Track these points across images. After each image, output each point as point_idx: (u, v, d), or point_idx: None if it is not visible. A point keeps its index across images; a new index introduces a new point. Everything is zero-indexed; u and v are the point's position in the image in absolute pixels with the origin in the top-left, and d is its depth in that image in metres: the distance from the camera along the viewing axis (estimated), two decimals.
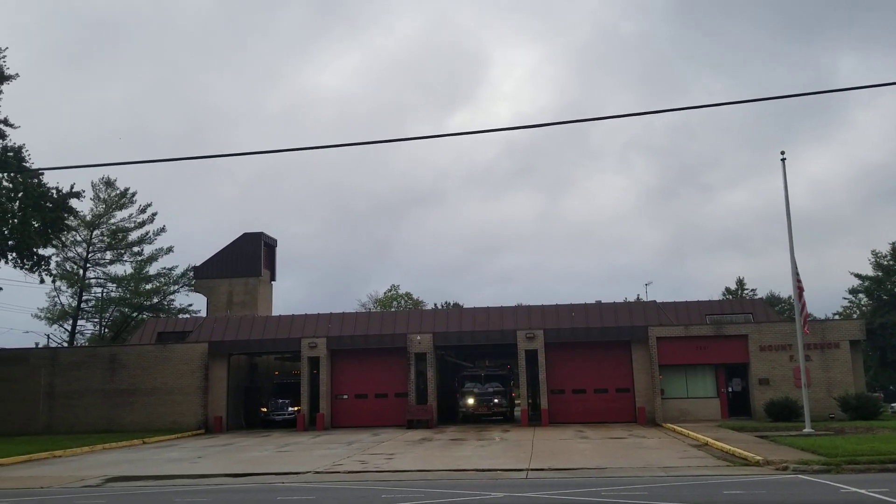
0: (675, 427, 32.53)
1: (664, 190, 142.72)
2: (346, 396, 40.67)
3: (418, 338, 39.60)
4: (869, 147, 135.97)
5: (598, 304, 43.07)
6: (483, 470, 19.76)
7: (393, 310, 72.52)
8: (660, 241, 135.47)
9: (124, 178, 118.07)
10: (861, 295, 49.98)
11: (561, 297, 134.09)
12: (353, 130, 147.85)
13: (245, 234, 50.82)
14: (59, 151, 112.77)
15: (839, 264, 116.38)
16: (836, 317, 58.90)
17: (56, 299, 58.92)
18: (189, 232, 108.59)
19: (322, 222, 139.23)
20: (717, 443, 24.32)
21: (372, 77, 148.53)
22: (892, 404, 49.27)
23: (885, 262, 46.60)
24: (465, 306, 60.82)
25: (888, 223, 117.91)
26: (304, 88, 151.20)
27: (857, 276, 48.36)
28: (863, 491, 14.06)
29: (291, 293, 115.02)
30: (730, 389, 37.88)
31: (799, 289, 28.47)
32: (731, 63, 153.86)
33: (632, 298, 71.97)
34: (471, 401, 41.26)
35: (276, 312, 49.51)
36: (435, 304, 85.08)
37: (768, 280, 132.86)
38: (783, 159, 28.30)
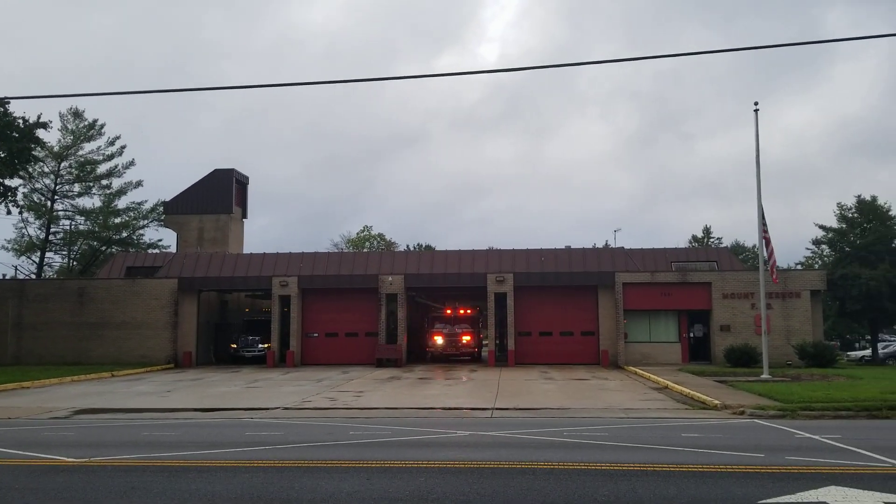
0: (637, 370, 33.33)
1: (644, 137, 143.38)
2: (316, 335, 40.97)
3: (390, 279, 39.83)
4: (846, 100, 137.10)
5: (568, 249, 43.53)
6: (449, 408, 20.18)
7: (365, 251, 72.60)
8: (636, 187, 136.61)
9: (101, 111, 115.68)
10: (824, 246, 50.90)
11: (537, 240, 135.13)
12: (341, 69, 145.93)
13: (216, 171, 50.25)
14: (35, 81, 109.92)
15: (810, 215, 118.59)
16: (799, 267, 60.09)
17: (23, 231, 58.24)
18: (166, 167, 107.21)
19: (304, 161, 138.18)
20: (676, 386, 24.98)
21: (360, 14, 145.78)
22: (848, 353, 50.74)
23: (850, 215, 47.31)
24: (439, 249, 61.04)
25: (860, 175, 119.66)
26: (292, 23, 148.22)
27: (822, 227, 49.14)
28: (816, 437, 14.53)
29: (269, 232, 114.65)
30: (691, 335, 38.79)
31: (765, 238, 28.92)
32: (722, 12, 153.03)
33: (606, 243, 72.77)
34: (440, 341, 41.83)
35: (253, 250, 49.51)
36: (407, 246, 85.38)
37: (739, 228, 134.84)
38: (756, 110, 28.51)
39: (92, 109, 76.61)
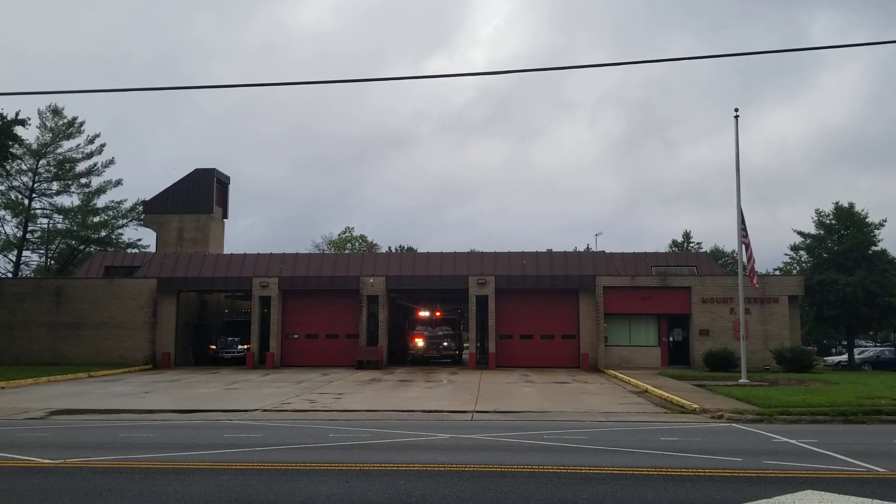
0: (617, 374, 33.45)
1: (629, 143, 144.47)
2: (296, 336, 40.80)
3: (371, 280, 39.74)
4: (830, 108, 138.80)
5: (549, 252, 43.61)
6: (430, 411, 20.14)
7: (347, 252, 72.43)
8: (619, 191, 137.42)
9: (83, 108, 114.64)
10: (802, 252, 51.30)
11: (520, 243, 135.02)
12: (330, 71, 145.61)
13: (197, 170, 49.95)
14: (15, 76, 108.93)
15: (790, 221, 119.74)
16: (777, 272, 60.57)
17: (0, 229, 57.49)
18: (149, 166, 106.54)
19: (290, 162, 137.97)
20: (656, 390, 25.10)
21: (351, 17, 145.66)
22: (825, 358, 51.21)
23: (828, 222, 47.74)
24: (422, 251, 61.03)
25: (840, 183, 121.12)
26: (282, 24, 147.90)
27: (800, 233, 49.51)
28: (793, 441, 14.65)
29: (252, 232, 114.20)
30: (671, 339, 39.02)
31: (745, 243, 29.16)
32: (711, 20, 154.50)
33: (588, 247, 73.03)
34: (421, 343, 41.79)
35: (236, 251, 49.34)
36: (389, 248, 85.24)
37: (720, 234, 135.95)
38: (736, 116, 28.78)
39: (74, 107, 76.21)
